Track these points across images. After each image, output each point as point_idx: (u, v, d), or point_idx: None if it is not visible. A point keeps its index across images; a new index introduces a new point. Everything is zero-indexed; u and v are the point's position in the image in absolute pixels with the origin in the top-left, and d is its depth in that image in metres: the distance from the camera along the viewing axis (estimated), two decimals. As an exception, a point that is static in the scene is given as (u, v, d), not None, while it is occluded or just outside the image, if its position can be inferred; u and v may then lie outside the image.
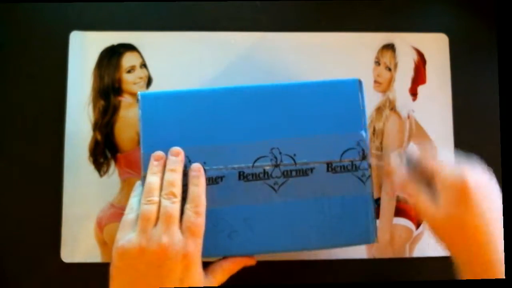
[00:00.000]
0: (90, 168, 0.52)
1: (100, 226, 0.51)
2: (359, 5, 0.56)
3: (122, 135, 0.52)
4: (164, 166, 0.40)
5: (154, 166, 0.39)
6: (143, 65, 0.53)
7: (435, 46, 0.56)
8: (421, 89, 0.55)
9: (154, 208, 0.36)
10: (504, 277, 0.36)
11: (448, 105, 0.55)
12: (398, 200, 0.53)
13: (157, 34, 0.54)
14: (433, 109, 0.55)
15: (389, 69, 0.55)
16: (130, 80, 0.53)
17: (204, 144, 0.41)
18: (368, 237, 0.42)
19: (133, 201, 0.39)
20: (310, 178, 0.42)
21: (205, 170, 0.41)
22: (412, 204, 0.40)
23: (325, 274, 0.52)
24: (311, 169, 0.42)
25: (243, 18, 0.55)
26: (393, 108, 0.54)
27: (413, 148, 0.47)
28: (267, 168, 0.41)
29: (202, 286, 0.37)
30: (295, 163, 0.42)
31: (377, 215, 0.53)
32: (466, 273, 0.37)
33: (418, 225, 0.53)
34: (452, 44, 0.56)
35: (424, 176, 0.42)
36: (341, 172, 0.42)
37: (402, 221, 0.53)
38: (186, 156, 0.41)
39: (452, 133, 0.54)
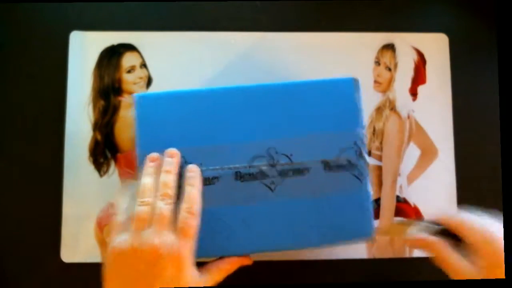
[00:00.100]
0: (90, 168, 0.52)
1: (100, 226, 0.51)
2: (359, 5, 0.56)
3: (122, 135, 0.52)
4: (160, 167, 0.40)
5: (149, 167, 0.39)
6: (143, 65, 0.53)
7: (435, 46, 0.56)
8: (421, 89, 0.55)
9: (147, 209, 0.36)
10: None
11: (448, 105, 0.55)
12: (398, 200, 0.53)
13: (157, 34, 0.54)
14: (433, 109, 0.55)
15: (389, 69, 0.55)
16: (130, 80, 0.53)
17: (200, 145, 0.41)
18: (366, 234, 0.42)
19: (122, 201, 0.39)
20: (307, 177, 0.42)
21: (201, 170, 0.41)
22: (444, 266, 0.40)
23: (325, 274, 0.52)
24: (308, 169, 0.42)
25: (243, 18, 0.55)
26: (393, 108, 0.54)
27: (431, 215, 0.47)
28: (263, 168, 0.41)
29: (197, 286, 0.37)
30: (292, 163, 0.42)
31: (377, 215, 0.53)
32: None
33: (418, 225, 0.53)
34: (452, 44, 0.56)
35: (449, 236, 0.41)
36: (338, 170, 0.42)
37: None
38: (182, 157, 0.41)
39: (452, 133, 0.54)
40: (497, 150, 0.52)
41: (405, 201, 0.53)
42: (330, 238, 0.42)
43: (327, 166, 0.42)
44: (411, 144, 0.54)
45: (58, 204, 0.51)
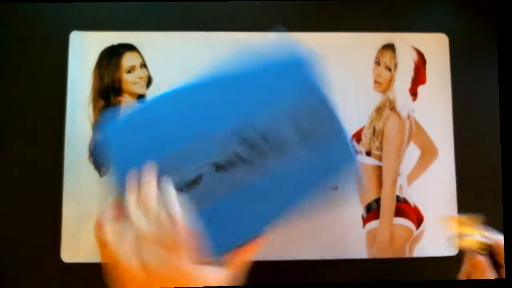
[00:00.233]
0: (90, 168, 0.52)
1: (100, 226, 0.51)
2: (359, 5, 0.56)
3: (122, 135, 0.52)
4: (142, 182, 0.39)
5: (131, 185, 0.39)
6: (143, 65, 0.53)
7: (435, 46, 0.56)
8: (421, 89, 0.55)
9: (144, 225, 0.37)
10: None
11: (448, 105, 0.55)
12: (398, 200, 0.53)
13: (157, 34, 0.54)
14: (433, 109, 0.54)
15: (389, 69, 0.55)
16: (130, 80, 0.53)
17: (173, 152, 0.41)
18: (350, 158, 0.42)
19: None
20: (286, 150, 0.42)
21: (182, 174, 0.41)
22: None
23: (325, 274, 0.52)
24: (286, 143, 0.42)
25: (243, 18, 0.55)
26: (393, 108, 0.54)
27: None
28: (240, 153, 0.41)
29: (219, 281, 0.37)
30: (267, 141, 0.42)
31: (377, 215, 0.53)
32: None
33: (418, 225, 0.53)
34: (452, 44, 0.56)
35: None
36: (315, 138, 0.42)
37: (402, 221, 0.53)
38: (158, 168, 0.40)
39: (452, 133, 0.54)
40: (497, 150, 0.52)
41: (405, 201, 0.53)
42: (321, 181, 0.42)
43: (303, 137, 0.42)
44: (411, 144, 0.54)
45: (58, 204, 0.51)
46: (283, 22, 0.55)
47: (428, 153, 0.54)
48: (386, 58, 0.55)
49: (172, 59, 0.54)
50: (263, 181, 0.42)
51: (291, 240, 0.52)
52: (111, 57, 0.53)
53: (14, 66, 0.53)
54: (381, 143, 0.54)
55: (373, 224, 0.53)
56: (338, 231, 0.52)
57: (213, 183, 0.41)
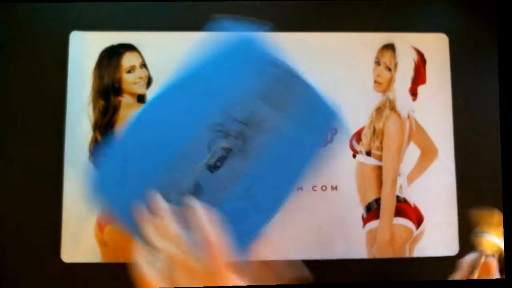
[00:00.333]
0: (90, 168, 0.52)
1: (100, 226, 0.51)
2: (359, 5, 0.56)
3: (122, 135, 0.52)
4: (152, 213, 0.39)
5: (143, 221, 0.39)
6: (143, 65, 0.53)
7: (435, 46, 0.55)
8: (421, 89, 0.55)
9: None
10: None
11: (448, 105, 0.55)
12: (398, 200, 0.53)
13: (157, 34, 0.54)
14: (433, 109, 0.55)
15: (389, 69, 0.55)
16: (130, 80, 0.53)
17: (165, 172, 0.41)
18: (332, 114, 0.43)
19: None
20: (268, 127, 0.42)
21: (181, 188, 0.40)
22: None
23: (325, 274, 0.52)
24: (265, 121, 0.42)
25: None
26: (393, 108, 0.54)
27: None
28: (223, 144, 0.41)
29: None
30: (248, 125, 0.42)
31: (377, 215, 0.53)
32: None
33: (418, 225, 0.53)
34: (452, 44, 0.56)
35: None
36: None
37: (402, 221, 0.53)
38: (162, 195, 0.40)
39: (452, 133, 0.54)
40: (497, 150, 0.52)
41: (405, 201, 0.53)
42: (315, 143, 0.43)
43: (277, 108, 0.42)
44: (411, 144, 0.54)
45: (58, 204, 0.51)
46: (283, 22, 0.55)
47: (428, 153, 0.54)
48: (386, 58, 0.55)
49: (172, 59, 0.54)
50: (259, 165, 0.41)
51: (291, 240, 0.52)
52: (111, 57, 0.53)
53: (14, 66, 0.53)
54: (381, 143, 0.54)
55: (373, 224, 0.53)
56: (338, 231, 0.52)
57: (212, 186, 0.41)
